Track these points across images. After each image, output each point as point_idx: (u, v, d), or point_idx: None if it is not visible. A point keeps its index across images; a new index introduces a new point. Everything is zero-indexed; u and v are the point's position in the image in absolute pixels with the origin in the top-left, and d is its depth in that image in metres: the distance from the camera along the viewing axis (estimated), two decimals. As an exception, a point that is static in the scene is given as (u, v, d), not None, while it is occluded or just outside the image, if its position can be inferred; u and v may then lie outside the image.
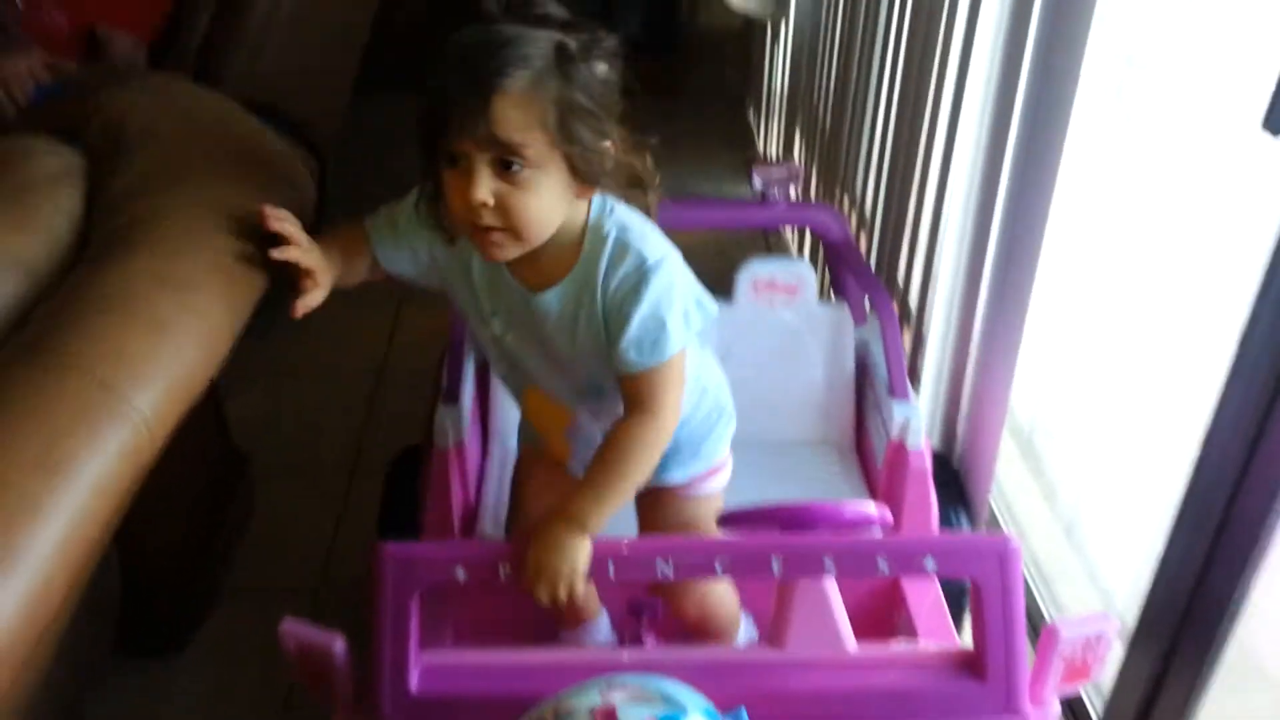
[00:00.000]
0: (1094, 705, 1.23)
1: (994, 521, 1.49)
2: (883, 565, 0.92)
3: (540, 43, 0.86)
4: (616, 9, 3.50)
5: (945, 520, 1.37)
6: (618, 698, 0.78)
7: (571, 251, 0.96)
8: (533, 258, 0.95)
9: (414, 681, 0.91)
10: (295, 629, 0.91)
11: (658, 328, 0.93)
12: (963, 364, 1.47)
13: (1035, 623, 1.32)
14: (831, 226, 1.52)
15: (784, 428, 1.52)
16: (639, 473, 0.96)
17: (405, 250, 1.03)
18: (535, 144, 0.86)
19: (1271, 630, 1.10)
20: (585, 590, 1.08)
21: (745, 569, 0.93)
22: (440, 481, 1.28)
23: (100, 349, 0.85)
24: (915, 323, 1.57)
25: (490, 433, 1.49)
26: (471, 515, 1.36)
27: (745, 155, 3.17)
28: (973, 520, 1.46)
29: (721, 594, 1.15)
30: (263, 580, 1.66)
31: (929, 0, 1.50)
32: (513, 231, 0.90)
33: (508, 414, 1.46)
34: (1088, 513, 1.45)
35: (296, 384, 2.12)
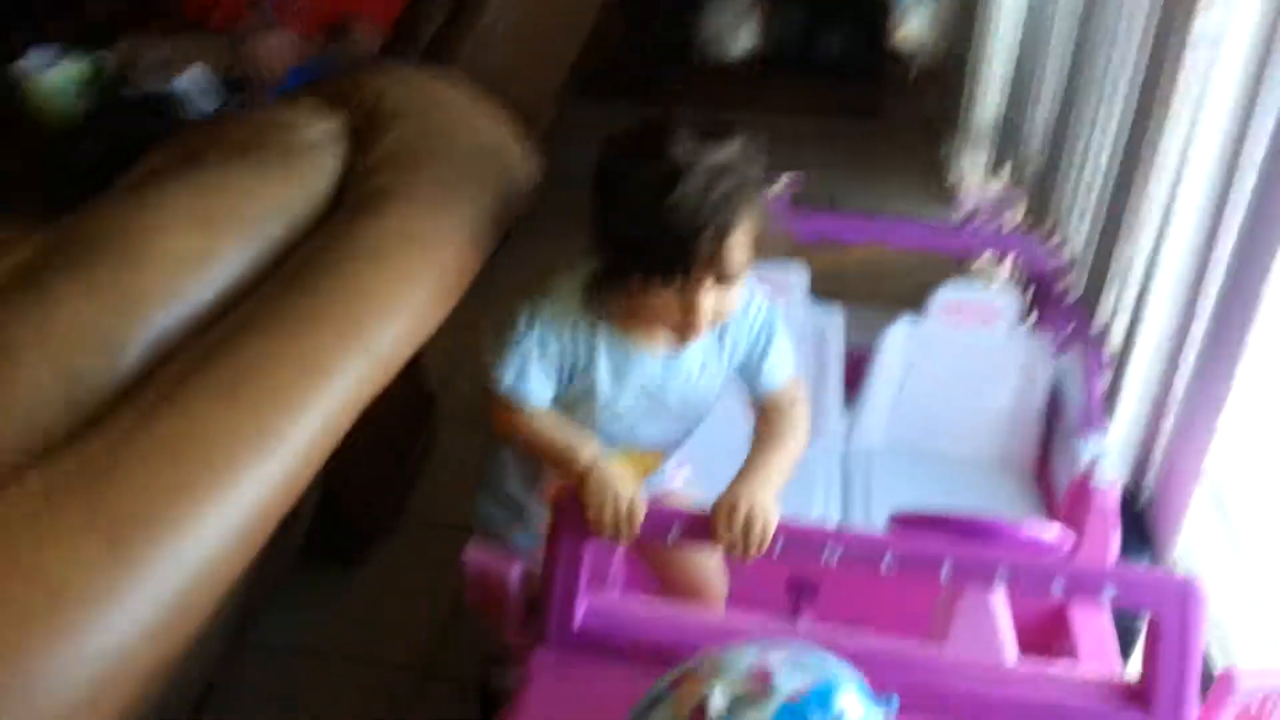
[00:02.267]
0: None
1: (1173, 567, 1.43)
2: (1057, 588, 0.92)
3: (733, 174, 0.95)
4: (820, 31, 3.52)
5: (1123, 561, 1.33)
6: (775, 660, 0.77)
7: None
8: None
9: (579, 617, 0.98)
10: (477, 554, 0.99)
11: (788, 347, 1.12)
12: (1162, 409, 1.42)
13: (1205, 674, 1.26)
14: (1040, 257, 1.50)
15: (965, 447, 1.51)
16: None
17: (549, 371, 1.10)
18: (750, 257, 0.98)
19: None
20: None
21: (914, 568, 0.94)
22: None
23: (352, 288, 0.96)
24: (1117, 360, 1.52)
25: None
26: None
27: (939, 182, 3.12)
28: (1155, 563, 1.41)
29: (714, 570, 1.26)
30: (435, 515, 1.79)
31: (1163, 34, 1.45)
32: (716, 323, 1.03)
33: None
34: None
35: (479, 339, 2.25)
